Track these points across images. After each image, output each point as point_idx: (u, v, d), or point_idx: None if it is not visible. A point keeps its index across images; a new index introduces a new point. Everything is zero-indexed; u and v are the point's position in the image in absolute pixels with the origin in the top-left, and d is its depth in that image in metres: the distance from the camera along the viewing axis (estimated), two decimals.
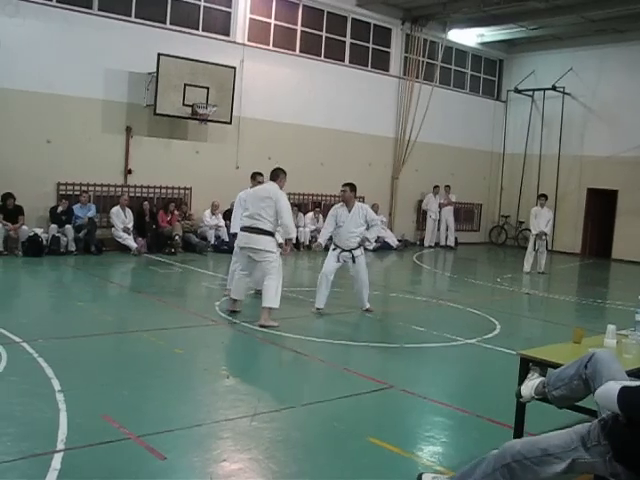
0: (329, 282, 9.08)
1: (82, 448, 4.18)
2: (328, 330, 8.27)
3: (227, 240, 14.61)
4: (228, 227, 13.12)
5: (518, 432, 4.53)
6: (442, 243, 20.28)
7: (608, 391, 3.17)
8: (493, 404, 5.56)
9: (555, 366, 3.97)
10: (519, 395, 4.09)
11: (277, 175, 8.43)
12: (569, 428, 3.33)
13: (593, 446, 3.18)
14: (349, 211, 9.18)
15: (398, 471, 4.14)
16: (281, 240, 8.74)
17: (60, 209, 13.37)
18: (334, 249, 9.23)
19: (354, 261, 9.13)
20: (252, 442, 4.50)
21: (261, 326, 7.85)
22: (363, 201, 18.82)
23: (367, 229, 9.21)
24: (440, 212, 20.16)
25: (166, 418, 4.82)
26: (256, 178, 9.77)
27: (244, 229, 8.33)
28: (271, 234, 8.20)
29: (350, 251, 9.10)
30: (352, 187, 9.30)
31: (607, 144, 19.61)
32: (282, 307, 8.34)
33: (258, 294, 9.66)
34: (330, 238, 9.42)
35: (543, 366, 4.21)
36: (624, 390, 3.09)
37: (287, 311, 8.65)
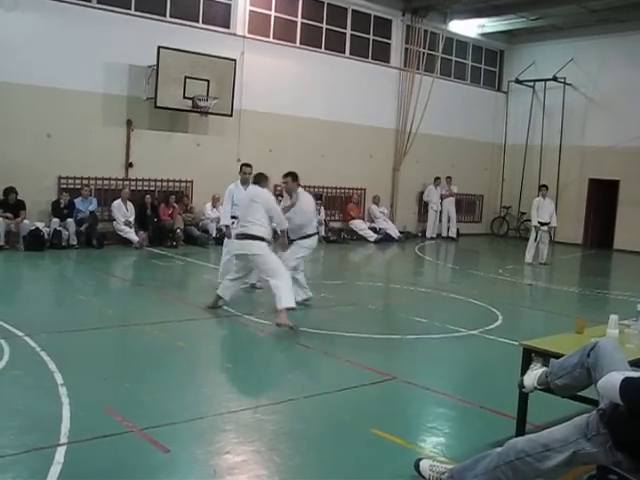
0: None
1: (85, 441, 4.19)
2: (330, 322, 8.26)
3: None
4: None
5: (521, 423, 4.53)
6: (444, 234, 20.26)
7: (610, 382, 3.17)
8: (496, 395, 5.56)
9: (557, 356, 3.97)
10: (522, 385, 4.09)
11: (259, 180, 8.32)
12: (569, 421, 3.34)
13: (593, 436, 3.19)
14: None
15: (401, 462, 4.14)
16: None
17: (62, 203, 13.37)
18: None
19: None
20: (255, 434, 4.51)
21: (278, 325, 7.60)
22: (364, 193, 18.98)
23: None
24: (442, 203, 20.14)
25: (169, 411, 4.82)
26: (242, 169, 9.86)
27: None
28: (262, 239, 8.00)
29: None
30: (294, 176, 8.83)
31: (608, 134, 19.55)
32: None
33: (254, 288, 9.69)
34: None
35: (545, 356, 4.22)
36: (626, 381, 3.09)
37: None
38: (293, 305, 7.67)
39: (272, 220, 8.05)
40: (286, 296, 7.63)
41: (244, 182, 9.83)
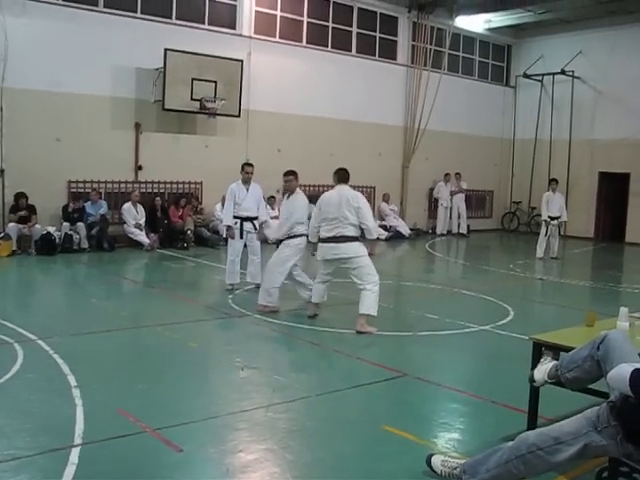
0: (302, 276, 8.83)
1: (99, 442, 4.22)
2: (341, 320, 8.26)
3: None
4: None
5: (532, 416, 4.53)
6: (454, 231, 20.23)
7: (620, 374, 3.17)
8: (507, 390, 5.56)
9: (567, 350, 3.97)
10: (532, 379, 4.09)
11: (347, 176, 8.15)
12: (579, 414, 3.34)
13: (604, 428, 3.19)
14: (287, 199, 8.78)
15: (413, 458, 4.15)
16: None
17: (72, 207, 13.44)
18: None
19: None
20: (267, 432, 4.53)
21: (358, 332, 7.56)
22: (374, 191, 18.96)
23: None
24: (452, 200, 20.10)
25: (182, 411, 4.85)
26: (244, 169, 9.87)
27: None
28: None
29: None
30: (296, 175, 8.77)
31: (618, 127, 19.43)
32: (290, 298, 8.36)
33: (257, 288, 9.57)
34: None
35: (556, 350, 4.22)
36: (636, 373, 3.09)
37: (299, 302, 8.66)
38: (374, 314, 7.65)
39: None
40: (370, 304, 7.62)
41: (246, 181, 9.86)
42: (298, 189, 8.74)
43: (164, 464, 4.01)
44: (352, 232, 7.74)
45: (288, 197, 8.68)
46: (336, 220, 7.74)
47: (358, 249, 7.75)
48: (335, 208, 7.78)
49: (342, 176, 8.10)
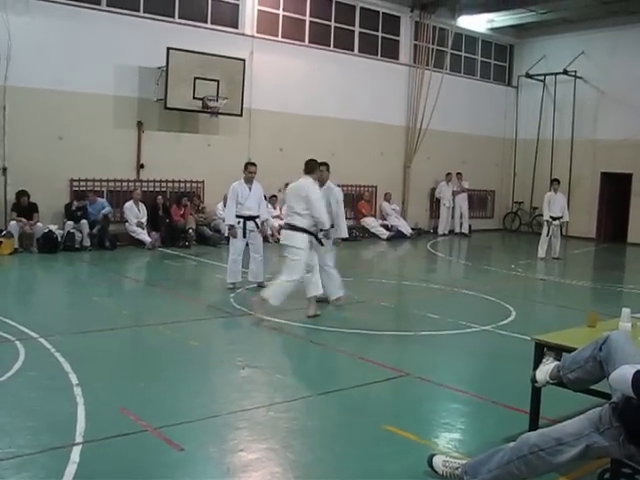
0: (327, 271, 8.93)
1: (100, 441, 4.22)
2: (343, 320, 8.27)
3: None
4: None
5: (534, 417, 4.53)
6: (456, 230, 20.23)
7: (623, 375, 3.16)
8: (509, 390, 5.56)
9: (569, 350, 3.96)
10: (534, 380, 4.08)
11: (312, 168, 8.30)
12: (581, 415, 3.34)
13: (606, 429, 3.18)
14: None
15: (414, 458, 4.15)
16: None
17: (75, 205, 13.42)
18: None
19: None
20: (269, 432, 4.53)
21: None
22: (376, 190, 18.96)
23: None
24: (454, 199, 20.10)
25: (183, 410, 4.85)
26: (247, 168, 9.89)
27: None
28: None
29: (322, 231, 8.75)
30: (328, 167, 8.99)
31: (621, 127, 19.40)
32: (297, 297, 8.36)
33: (261, 287, 9.52)
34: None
35: (558, 350, 4.21)
36: (639, 374, 3.08)
37: (301, 301, 8.65)
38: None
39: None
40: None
41: (248, 181, 9.87)
42: (330, 182, 8.95)
43: (165, 463, 4.01)
44: (298, 222, 8.00)
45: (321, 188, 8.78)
46: (289, 208, 8.16)
47: (295, 240, 7.98)
48: (289, 197, 8.23)
49: (306, 167, 8.33)
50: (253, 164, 10.04)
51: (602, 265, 16.15)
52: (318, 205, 8.00)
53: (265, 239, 10.45)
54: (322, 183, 8.75)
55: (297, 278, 7.98)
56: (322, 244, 8.36)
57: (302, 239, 7.98)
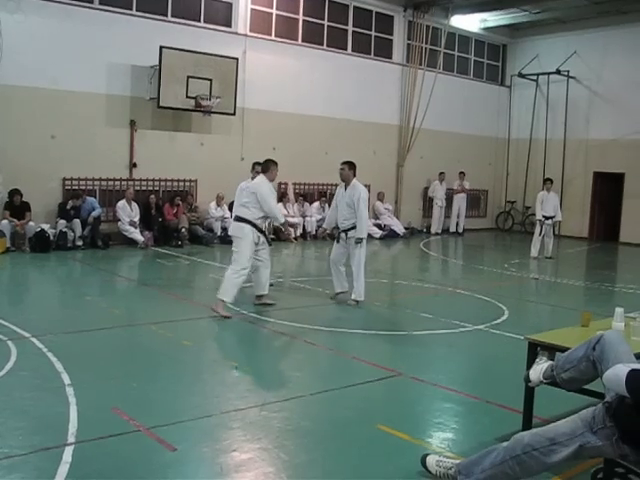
0: (337, 269, 9.10)
1: (93, 441, 4.20)
2: (336, 319, 8.27)
3: None
4: None
5: (527, 417, 4.53)
6: (452, 230, 20.27)
7: (617, 374, 3.16)
8: (502, 390, 5.56)
9: (563, 350, 3.97)
10: (528, 379, 4.08)
11: (267, 167, 8.50)
12: (575, 415, 3.34)
13: (599, 429, 3.18)
14: (345, 190, 9.07)
15: (407, 458, 4.14)
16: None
17: (71, 204, 13.34)
18: (339, 232, 9.19)
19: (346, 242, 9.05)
20: (262, 432, 4.52)
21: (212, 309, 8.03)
22: (369, 189, 18.89)
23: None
24: (453, 199, 20.14)
25: (176, 410, 4.84)
26: (255, 168, 9.86)
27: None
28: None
29: (345, 232, 9.04)
30: (350, 165, 9.09)
31: (613, 127, 19.48)
32: (290, 297, 8.35)
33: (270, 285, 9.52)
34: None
35: (551, 350, 4.21)
36: (632, 374, 3.08)
37: (295, 301, 8.66)
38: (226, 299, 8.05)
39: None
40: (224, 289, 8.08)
41: None
42: (355, 181, 9.08)
43: (158, 463, 3.99)
44: (242, 213, 8.21)
45: (345, 188, 9.00)
46: (238, 202, 8.57)
47: (240, 230, 8.16)
48: (239, 193, 8.76)
49: (262, 166, 8.63)
50: (260, 164, 9.97)
51: (595, 264, 16.19)
52: (268, 199, 8.21)
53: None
54: (346, 183, 8.98)
55: (240, 269, 8.03)
56: (270, 244, 8.57)
57: (246, 230, 8.13)
